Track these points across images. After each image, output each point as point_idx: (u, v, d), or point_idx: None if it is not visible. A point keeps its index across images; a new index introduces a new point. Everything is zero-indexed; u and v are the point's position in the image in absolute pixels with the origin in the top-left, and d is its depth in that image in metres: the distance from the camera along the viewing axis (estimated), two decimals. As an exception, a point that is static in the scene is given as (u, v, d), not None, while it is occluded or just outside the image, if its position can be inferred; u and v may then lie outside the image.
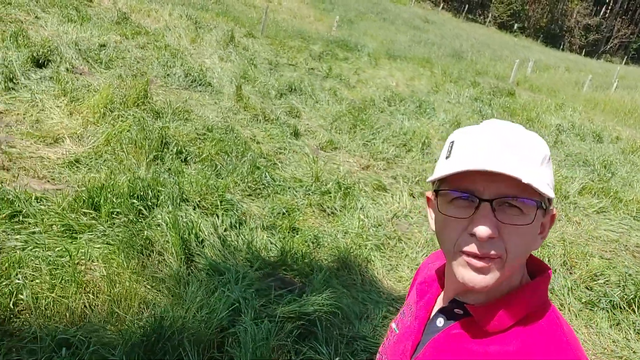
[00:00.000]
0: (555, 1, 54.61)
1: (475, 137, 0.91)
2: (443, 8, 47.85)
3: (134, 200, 3.85)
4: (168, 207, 3.98)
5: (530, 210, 0.87)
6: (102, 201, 3.70)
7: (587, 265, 4.87)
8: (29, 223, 3.45)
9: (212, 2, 20.23)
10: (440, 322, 1.00)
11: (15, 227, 3.40)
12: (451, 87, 13.72)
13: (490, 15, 50.25)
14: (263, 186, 5.00)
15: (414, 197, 5.64)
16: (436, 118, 9.54)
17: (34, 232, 3.38)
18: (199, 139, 5.72)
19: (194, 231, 3.64)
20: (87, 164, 4.77)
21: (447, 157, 0.93)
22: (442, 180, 0.93)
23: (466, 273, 0.89)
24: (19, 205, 3.56)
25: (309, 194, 5.10)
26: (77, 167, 4.71)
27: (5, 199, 3.54)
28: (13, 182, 4.17)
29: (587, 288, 4.58)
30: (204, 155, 5.28)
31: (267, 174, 5.18)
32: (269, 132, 6.80)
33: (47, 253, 3.11)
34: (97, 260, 3.23)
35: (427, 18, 35.46)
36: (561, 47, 53.68)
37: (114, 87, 6.33)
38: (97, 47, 8.63)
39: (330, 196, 5.05)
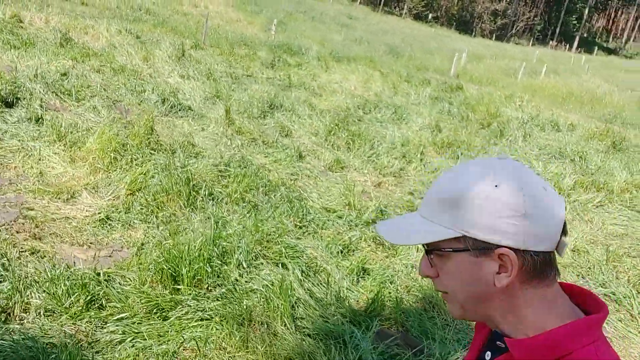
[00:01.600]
0: (463, -11, 56.89)
1: None
2: (360, 3, 48.50)
3: (214, 263, 3.52)
4: (243, 265, 3.68)
5: (440, 257, 0.93)
6: (183, 270, 3.35)
7: (628, 268, 5.04)
8: (113, 308, 3.06)
9: (143, 12, 19.33)
10: (488, 355, 1.01)
11: (100, 315, 3.01)
12: (406, 86, 13.88)
13: (405, 7, 51.54)
14: (307, 222, 4.77)
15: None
16: (414, 123, 9.58)
17: (121, 319, 3.00)
18: (222, 176, 5.37)
19: (290, 291, 3.38)
20: (120, 220, 4.34)
21: None
22: None
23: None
24: (93, 288, 3.15)
25: (353, 226, 4.92)
26: (110, 225, 4.28)
27: (78, 283, 3.12)
28: (55, 254, 3.71)
29: (638, 292, 4.72)
30: (236, 195, 4.96)
31: (307, 208, 4.95)
32: (274, 157, 6.52)
33: (162, 347, 2.76)
34: (209, 343, 2.91)
35: (351, 14, 35.82)
36: (473, 33, 56.03)
37: (111, 126, 5.82)
38: (59, 78, 7.94)
39: (378, 226, 4.89)
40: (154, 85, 8.57)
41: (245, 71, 12.76)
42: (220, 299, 3.27)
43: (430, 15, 51.88)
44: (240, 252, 3.77)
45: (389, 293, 3.85)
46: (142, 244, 3.98)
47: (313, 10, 31.68)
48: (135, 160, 5.16)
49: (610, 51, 73.88)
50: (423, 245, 0.95)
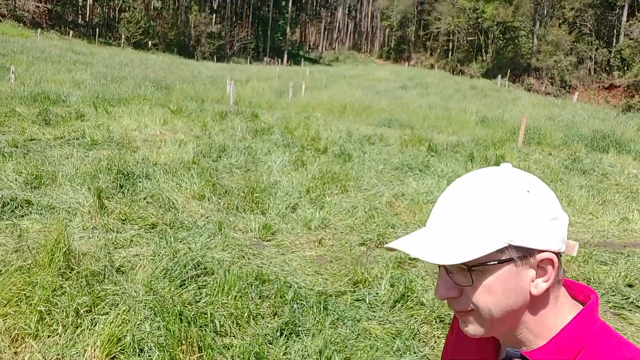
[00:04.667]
0: (176, 14, 56.50)
1: None
2: (73, 36, 44.21)
3: None
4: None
5: (479, 272, 0.85)
6: None
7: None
8: None
9: None
10: None
11: None
12: (212, 122, 12.91)
13: (122, 36, 48.81)
14: (351, 333, 3.80)
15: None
16: (273, 162, 8.85)
17: None
18: (199, 291, 3.96)
19: None
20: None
21: None
22: None
23: (461, 323, 0.91)
24: None
25: (387, 313, 4.11)
26: None
27: None
28: None
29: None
30: (244, 314, 3.68)
31: (340, 313, 3.95)
32: (196, 241, 5.18)
33: None
34: None
35: (73, 49, 32.38)
36: (195, 57, 56.37)
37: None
38: None
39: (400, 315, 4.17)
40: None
41: (23, 134, 10.24)
42: None
43: (150, 43, 50.20)
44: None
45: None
46: None
47: (30, 50, 27.60)
48: (82, 305, 3.42)
49: (313, 61, 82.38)
50: (462, 263, 0.83)
